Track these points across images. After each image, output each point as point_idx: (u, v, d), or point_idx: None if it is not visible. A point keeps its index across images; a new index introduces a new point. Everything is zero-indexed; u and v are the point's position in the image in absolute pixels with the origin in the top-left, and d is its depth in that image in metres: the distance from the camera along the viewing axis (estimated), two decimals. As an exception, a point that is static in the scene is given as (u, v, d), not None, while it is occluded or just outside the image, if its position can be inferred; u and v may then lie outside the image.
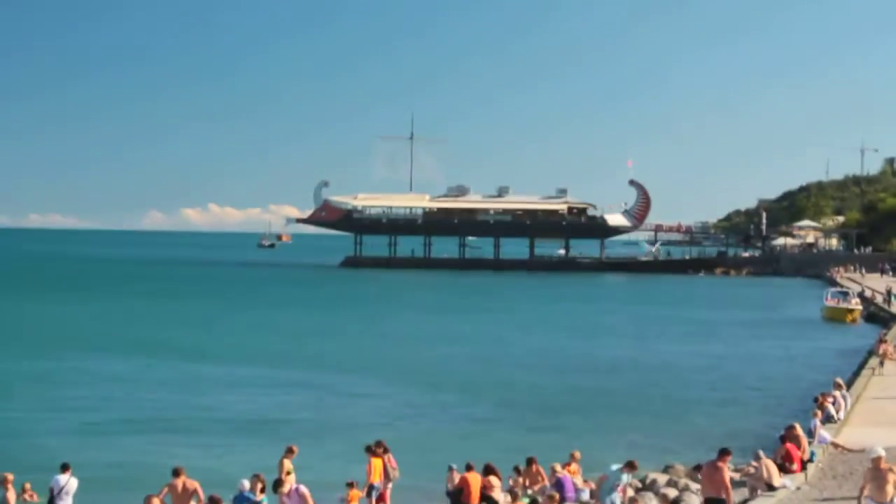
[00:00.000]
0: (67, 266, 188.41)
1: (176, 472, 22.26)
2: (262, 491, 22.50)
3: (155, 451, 34.90)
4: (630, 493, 24.67)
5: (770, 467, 25.05)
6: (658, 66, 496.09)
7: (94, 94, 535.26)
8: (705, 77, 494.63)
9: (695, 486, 27.21)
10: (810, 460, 27.36)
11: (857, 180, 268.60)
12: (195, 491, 21.96)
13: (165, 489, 21.78)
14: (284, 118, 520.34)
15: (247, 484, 22.40)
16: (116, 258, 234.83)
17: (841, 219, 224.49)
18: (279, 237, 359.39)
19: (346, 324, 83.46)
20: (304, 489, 21.79)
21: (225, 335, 73.87)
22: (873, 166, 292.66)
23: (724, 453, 22.44)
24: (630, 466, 24.31)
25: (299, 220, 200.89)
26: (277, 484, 22.31)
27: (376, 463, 25.40)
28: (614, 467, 24.22)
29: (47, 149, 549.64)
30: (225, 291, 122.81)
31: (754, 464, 25.39)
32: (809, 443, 28.34)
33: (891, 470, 19.92)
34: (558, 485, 24.23)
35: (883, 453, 20.22)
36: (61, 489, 22.83)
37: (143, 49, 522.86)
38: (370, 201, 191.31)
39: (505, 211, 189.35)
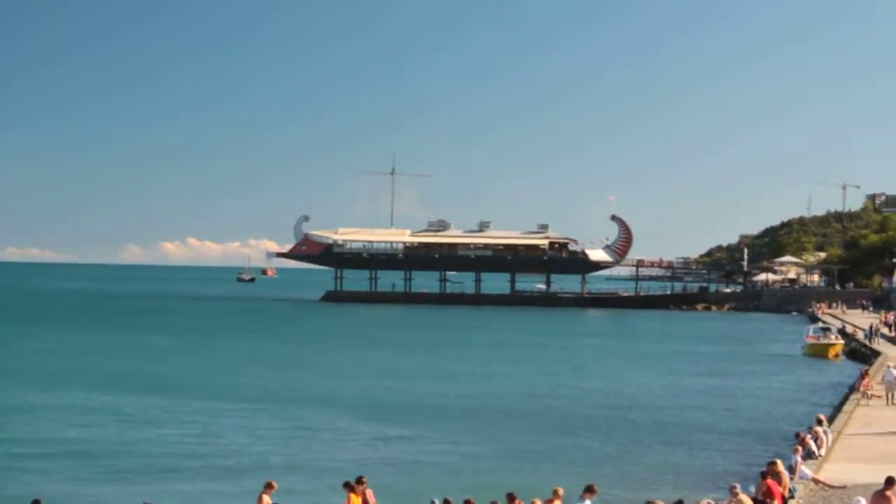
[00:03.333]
0: (44, 300, 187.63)
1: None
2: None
3: (126, 488, 34.52)
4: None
5: (745, 503, 24.87)
6: (640, 103, 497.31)
7: (72, 128, 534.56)
8: (687, 113, 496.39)
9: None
10: (791, 496, 27.18)
11: (838, 216, 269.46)
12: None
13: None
14: (264, 152, 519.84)
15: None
16: (93, 292, 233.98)
17: (822, 255, 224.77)
18: (264, 271, 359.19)
19: (323, 358, 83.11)
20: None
21: (197, 369, 73.36)
22: (855, 202, 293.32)
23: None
24: (589, 491, 24.22)
25: (279, 255, 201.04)
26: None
27: (355, 499, 25.05)
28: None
29: (25, 182, 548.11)
30: (200, 325, 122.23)
31: (732, 500, 25.15)
32: (791, 479, 28.12)
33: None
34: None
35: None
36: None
37: (122, 84, 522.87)
38: (351, 236, 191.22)
39: (486, 246, 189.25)
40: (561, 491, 27.04)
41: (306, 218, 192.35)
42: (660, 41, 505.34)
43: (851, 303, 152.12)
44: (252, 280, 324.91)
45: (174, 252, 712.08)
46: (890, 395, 49.13)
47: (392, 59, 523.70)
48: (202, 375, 69.44)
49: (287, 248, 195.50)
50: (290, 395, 59.79)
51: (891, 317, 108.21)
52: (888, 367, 52.95)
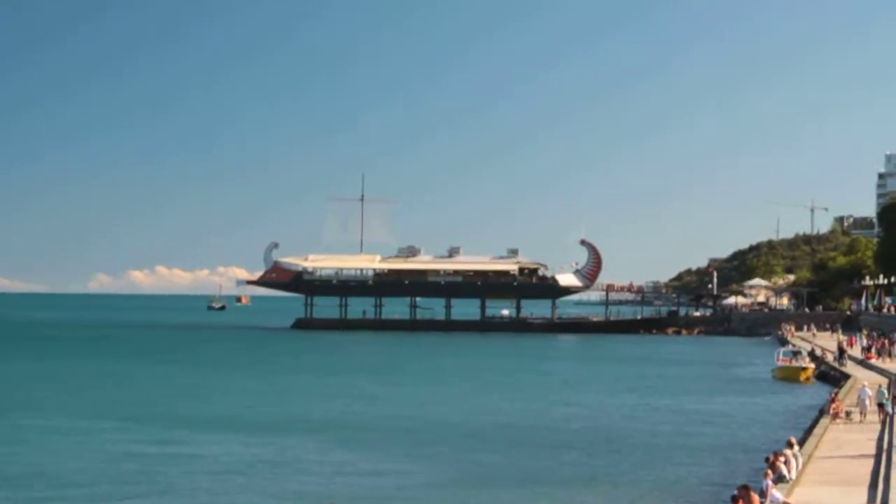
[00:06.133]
0: (9, 330, 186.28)
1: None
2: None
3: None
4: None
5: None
6: (611, 132, 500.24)
7: (39, 161, 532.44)
8: (657, 141, 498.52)
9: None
10: (762, 521, 26.88)
11: (807, 239, 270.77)
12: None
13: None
14: (232, 180, 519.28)
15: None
16: (60, 321, 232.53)
17: (791, 277, 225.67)
18: (238, 299, 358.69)
19: (288, 386, 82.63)
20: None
21: (157, 397, 72.74)
22: (823, 225, 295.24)
23: None
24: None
25: (249, 282, 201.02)
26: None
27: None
28: None
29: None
30: (167, 353, 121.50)
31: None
32: (761, 502, 27.82)
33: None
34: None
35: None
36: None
37: (92, 120, 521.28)
38: (321, 262, 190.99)
39: (456, 272, 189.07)
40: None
41: (276, 245, 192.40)
42: (634, 76, 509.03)
43: (821, 325, 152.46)
44: (223, 308, 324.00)
45: (143, 280, 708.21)
46: (862, 413, 49.47)
47: (367, 90, 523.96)
48: (162, 403, 68.80)
49: (257, 275, 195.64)
50: (256, 422, 59.22)
51: (854, 340, 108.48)
52: (863, 386, 53.41)
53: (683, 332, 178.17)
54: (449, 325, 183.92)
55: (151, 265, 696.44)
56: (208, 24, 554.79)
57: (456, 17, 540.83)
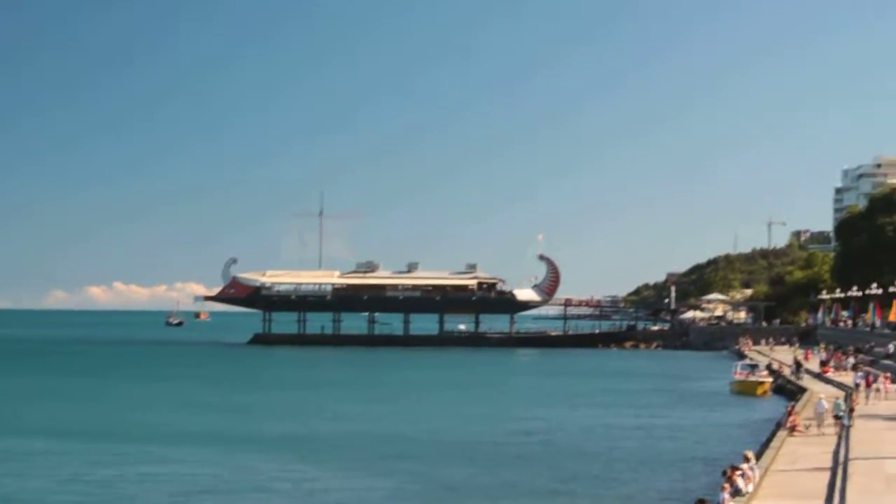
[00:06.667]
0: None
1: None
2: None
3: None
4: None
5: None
6: (569, 147, 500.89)
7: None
8: (615, 156, 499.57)
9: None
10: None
11: (764, 253, 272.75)
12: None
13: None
14: (190, 197, 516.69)
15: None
16: (15, 337, 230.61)
17: (749, 292, 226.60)
18: (197, 315, 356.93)
19: (249, 402, 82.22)
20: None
21: (109, 413, 72.29)
22: (780, 239, 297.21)
23: None
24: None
25: (207, 298, 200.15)
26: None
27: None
28: None
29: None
30: (124, 369, 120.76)
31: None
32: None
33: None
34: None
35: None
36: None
37: (41, 151, 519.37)
38: (279, 278, 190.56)
39: (414, 287, 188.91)
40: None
41: (234, 261, 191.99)
42: (592, 92, 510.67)
43: (778, 339, 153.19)
44: (180, 324, 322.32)
45: (100, 296, 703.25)
46: (819, 425, 49.75)
47: (325, 108, 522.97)
48: (113, 419, 68.46)
49: (215, 291, 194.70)
50: (214, 438, 58.85)
51: (811, 353, 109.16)
52: (820, 399, 53.55)
53: (641, 346, 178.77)
54: (407, 340, 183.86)
55: (109, 281, 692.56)
56: (160, 49, 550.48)
57: (412, 36, 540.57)
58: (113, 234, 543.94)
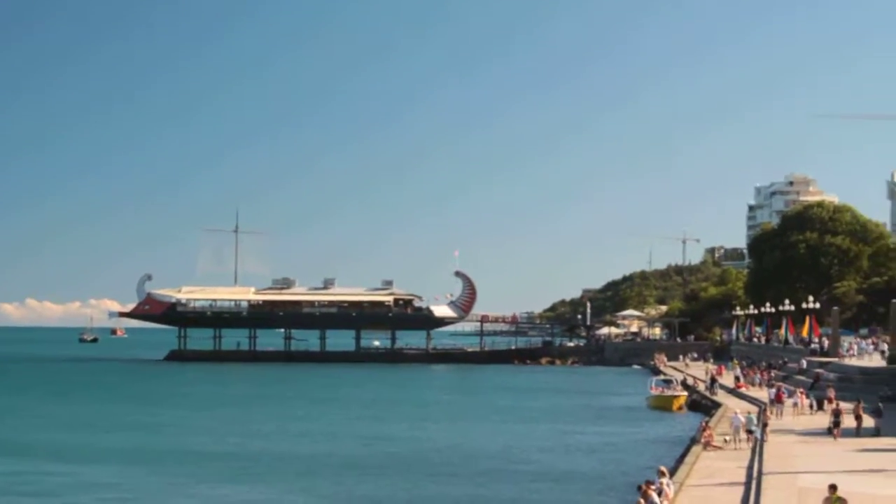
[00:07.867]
0: None
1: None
2: None
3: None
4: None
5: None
6: (484, 162, 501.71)
7: None
8: (530, 171, 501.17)
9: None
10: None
11: (679, 270, 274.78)
12: None
13: None
14: (104, 214, 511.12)
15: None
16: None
17: (664, 308, 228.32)
18: (113, 331, 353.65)
19: (165, 419, 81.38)
20: None
21: (34, 432, 71.11)
22: (695, 256, 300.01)
23: None
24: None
25: (122, 314, 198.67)
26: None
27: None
28: None
29: None
30: (35, 387, 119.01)
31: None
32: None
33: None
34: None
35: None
36: None
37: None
38: (194, 294, 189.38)
39: (331, 303, 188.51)
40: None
41: (149, 277, 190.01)
42: (504, 105, 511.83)
43: (692, 355, 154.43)
44: (95, 340, 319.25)
45: (13, 313, 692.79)
46: (735, 439, 50.40)
47: (239, 126, 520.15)
48: (25, 438, 67.41)
49: (130, 307, 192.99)
50: (129, 455, 58.17)
51: (724, 368, 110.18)
52: (735, 413, 54.42)
53: (557, 362, 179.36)
54: (324, 357, 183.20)
55: (21, 297, 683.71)
56: (74, 68, 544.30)
57: (323, 52, 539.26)
58: (26, 251, 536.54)
